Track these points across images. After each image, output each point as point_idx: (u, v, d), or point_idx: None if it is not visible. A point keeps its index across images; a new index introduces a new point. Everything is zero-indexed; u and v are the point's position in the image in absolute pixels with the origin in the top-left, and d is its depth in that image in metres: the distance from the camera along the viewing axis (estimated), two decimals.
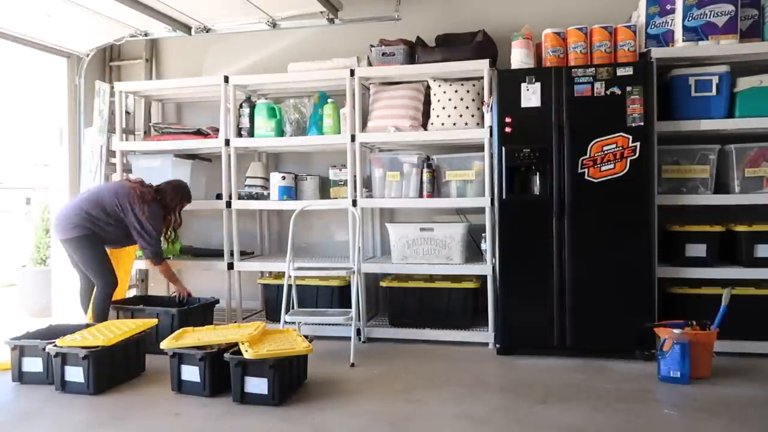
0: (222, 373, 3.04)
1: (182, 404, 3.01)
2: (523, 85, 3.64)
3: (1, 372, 3.45)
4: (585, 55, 3.73)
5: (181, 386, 3.15)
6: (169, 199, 4.08)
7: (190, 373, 3.11)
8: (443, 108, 4.07)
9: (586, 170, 3.58)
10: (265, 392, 2.93)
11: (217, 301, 4.29)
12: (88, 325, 3.58)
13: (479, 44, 4.10)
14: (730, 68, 3.67)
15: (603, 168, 3.56)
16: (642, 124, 3.52)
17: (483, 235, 4.09)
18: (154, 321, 3.66)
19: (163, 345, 3.16)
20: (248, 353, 2.93)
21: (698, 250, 3.74)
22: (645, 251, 3.56)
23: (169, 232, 4.20)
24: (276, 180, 4.43)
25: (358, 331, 4.09)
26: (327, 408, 2.91)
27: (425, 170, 4.12)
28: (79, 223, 3.86)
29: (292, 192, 4.47)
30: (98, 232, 3.91)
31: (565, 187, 3.61)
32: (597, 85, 3.56)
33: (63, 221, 3.91)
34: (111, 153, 4.84)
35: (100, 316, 3.90)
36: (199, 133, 4.65)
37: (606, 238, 3.58)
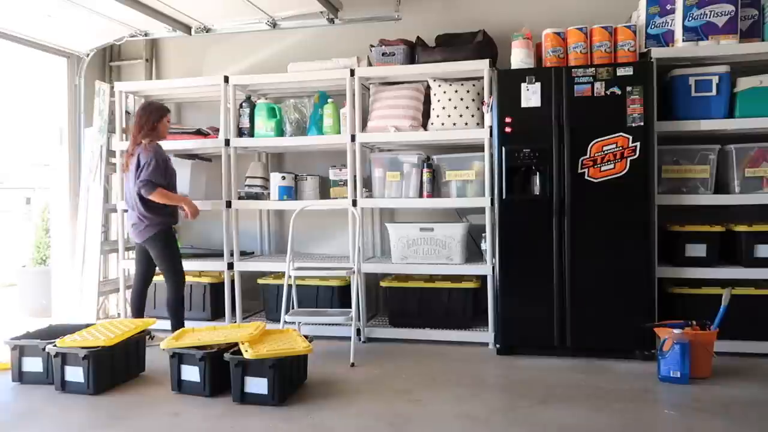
0: (222, 373, 3.04)
1: (182, 404, 3.01)
2: (523, 85, 3.64)
3: (1, 372, 3.45)
4: (585, 55, 3.73)
5: (181, 386, 3.15)
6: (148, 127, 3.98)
7: (190, 373, 3.11)
8: (443, 108, 4.07)
9: (586, 170, 3.58)
10: (265, 392, 2.93)
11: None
12: (87, 325, 3.58)
13: (479, 44, 4.10)
14: (730, 68, 3.67)
15: (603, 168, 3.56)
16: (642, 124, 3.52)
17: (483, 235, 4.09)
18: (153, 321, 3.66)
19: (163, 345, 3.16)
20: (248, 353, 2.93)
21: (698, 250, 3.74)
22: (645, 251, 3.56)
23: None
24: (276, 180, 4.43)
25: (358, 331, 4.09)
26: (327, 408, 2.91)
27: (425, 170, 4.12)
28: (145, 221, 3.91)
29: (292, 192, 4.47)
30: (169, 222, 3.98)
31: (565, 187, 3.60)
32: (597, 85, 3.56)
33: (137, 224, 3.97)
34: (111, 153, 4.85)
35: (176, 322, 3.94)
36: (199, 133, 4.65)
37: (606, 238, 3.58)
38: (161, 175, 3.89)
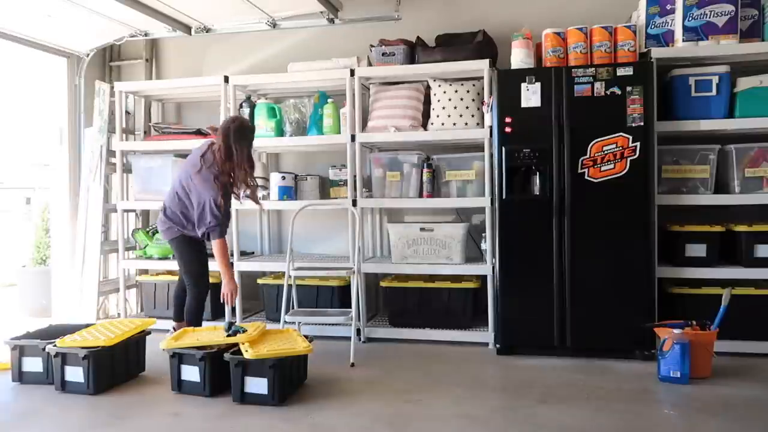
0: (222, 373, 3.04)
1: (182, 404, 3.01)
2: (523, 85, 3.64)
3: (1, 372, 3.45)
4: (585, 55, 3.73)
5: (181, 386, 3.15)
6: (221, 153, 3.44)
7: (190, 373, 3.11)
8: (443, 108, 4.07)
9: (586, 170, 3.58)
10: (265, 392, 2.93)
11: None
12: (87, 325, 3.58)
13: (479, 44, 4.10)
14: (730, 68, 3.66)
15: (603, 168, 3.56)
16: (642, 124, 3.52)
17: (483, 235, 4.09)
18: (152, 321, 3.66)
19: (163, 345, 3.16)
20: (248, 353, 2.93)
21: (698, 250, 3.73)
22: (645, 251, 3.56)
23: (242, 187, 3.55)
24: (276, 180, 4.43)
25: (358, 331, 4.09)
26: (327, 408, 2.91)
27: (425, 170, 4.12)
28: (167, 223, 3.65)
29: (292, 192, 4.47)
30: (186, 231, 3.63)
31: (565, 187, 3.60)
32: (597, 85, 3.56)
33: (160, 222, 3.72)
34: (111, 153, 4.85)
35: (193, 323, 3.69)
36: (199, 133, 4.64)
37: (606, 238, 3.58)
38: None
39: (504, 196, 3.70)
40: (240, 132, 3.51)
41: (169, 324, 3.90)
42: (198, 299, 3.75)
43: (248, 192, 3.61)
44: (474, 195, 4.08)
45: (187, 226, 3.65)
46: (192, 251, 3.72)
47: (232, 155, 3.47)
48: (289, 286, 3.92)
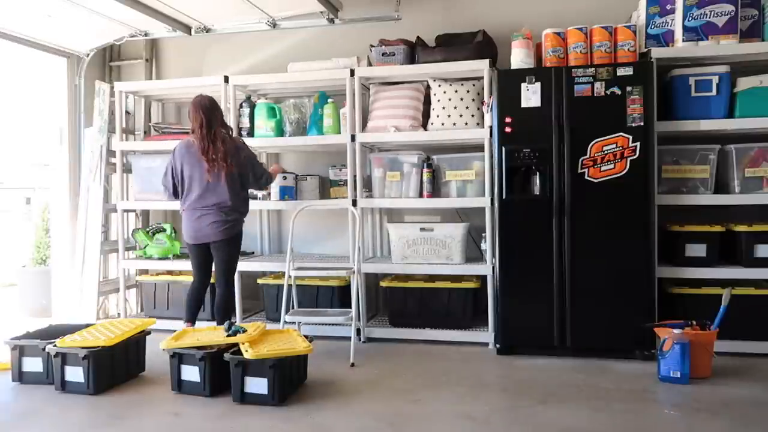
0: (222, 373, 3.04)
1: (182, 404, 3.01)
2: (523, 85, 3.64)
3: (1, 372, 3.45)
4: (585, 55, 3.73)
5: (181, 386, 3.15)
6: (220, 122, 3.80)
7: (190, 373, 3.11)
8: (443, 108, 4.07)
9: (586, 170, 3.58)
10: (265, 392, 2.93)
11: None
12: (87, 325, 3.58)
13: (479, 44, 4.10)
14: (730, 68, 3.66)
15: (603, 168, 3.56)
16: (642, 124, 3.52)
17: (483, 235, 4.09)
18: (152, 321, 3.66)
19: (163, 345, 3.16)
20: (248, 353, 2.94)
21: (698, 250, 3.73)
22: (645, 251, 3.56)
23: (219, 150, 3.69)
24: (276, 180, 4.42)
25: (358, 331, 4.09)
26: (327, 408, 2.91)
27: (425, 170, 4.12)
28: (229, 219, 3.76)
29: (292, 192, 4.47)
30: (243, 220, 3.90)
31: (565, 187, 3.60)
32: (597, 85, 3.56)
33: (218, 223, 3.72)
34: (111, 153, 4.85)
35: (224, 319, 3.71)
36: None
37: (606, 238, 3.58)
38: None
39: (504, 196, 3.70)
40: (211, 105, 3.79)
41: (169, 324, 3.90)
42: (231, 296, 3.93)
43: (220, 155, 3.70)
44: (474, 195, 4.08)
45: (245, 211, 3.91)
46: (240, 248, 3.93)
47: (211, 123, 3.73)
48: (289, 286, 3.92)
